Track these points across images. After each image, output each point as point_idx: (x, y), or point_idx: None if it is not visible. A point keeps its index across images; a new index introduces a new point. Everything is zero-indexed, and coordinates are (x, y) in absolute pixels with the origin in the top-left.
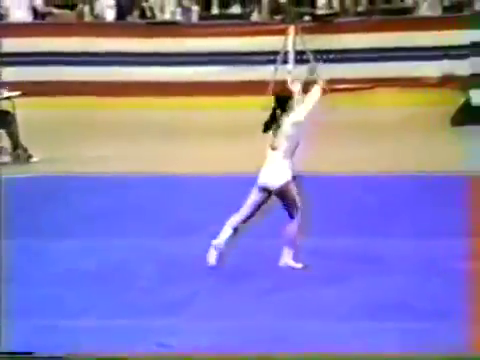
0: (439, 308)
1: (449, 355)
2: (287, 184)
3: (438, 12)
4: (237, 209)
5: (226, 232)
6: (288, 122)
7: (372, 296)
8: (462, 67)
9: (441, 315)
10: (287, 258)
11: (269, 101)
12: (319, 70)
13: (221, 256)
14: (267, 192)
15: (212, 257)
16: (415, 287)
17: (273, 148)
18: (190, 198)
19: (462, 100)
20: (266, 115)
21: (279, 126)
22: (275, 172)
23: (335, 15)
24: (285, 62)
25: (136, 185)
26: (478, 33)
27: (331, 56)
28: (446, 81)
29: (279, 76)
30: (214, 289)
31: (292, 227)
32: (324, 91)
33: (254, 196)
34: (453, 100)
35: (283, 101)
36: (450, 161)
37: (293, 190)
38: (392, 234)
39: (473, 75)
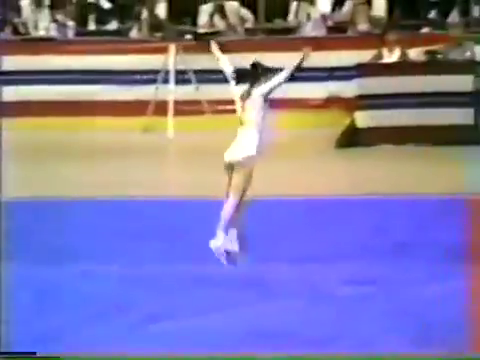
0: (326, 334)
1: (449, 355)
2: (248, 159)
3: (323, 32)
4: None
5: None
6: (257, 93)
7: (258, 323)
8: (347, 88)
9: (327, 341)
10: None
11: (150, 122)
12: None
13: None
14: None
15: (223, 260)
16: (301, 313)
17: (242, 123)
18: (73, 223)
19: (346, 122)
20: (146, 137)
21: (249, 96)
22: (239, 146)
23: (217, 34)
24: (166, 82)
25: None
26: (363, 54)
27: (213, 76)
28: (332, 102)
29: (160, 96)
30: (89, 320)
31: (227, 209)
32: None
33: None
34: (338, 122)
35: (257, 72)
36: (333, 183)
37: (250, 168)
38: (275, 258)
39: (358, 97)
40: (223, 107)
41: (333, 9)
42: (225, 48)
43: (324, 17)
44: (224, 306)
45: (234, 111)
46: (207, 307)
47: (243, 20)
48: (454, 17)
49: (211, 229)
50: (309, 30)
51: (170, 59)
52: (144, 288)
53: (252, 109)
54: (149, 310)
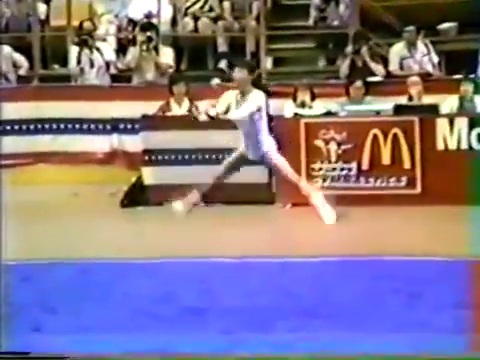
0: None
1: (449, 355)
2: None
3: (106, 81)
4: None
5: None
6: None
7: None
8: (132, 142)
9: None
10: None
11: None
12: None
13: None
14: None
15: None
16: None
17: None
18: None
19: (133, 179)
20: None
21: None
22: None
23: None
24: None
25: None
26: (149, 105)
27: None
28: (115, 157)
29: None
30: None
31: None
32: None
33: None
34: (123, 178)
35: None
36: (119, 245)
37: None
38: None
39: (144, 151)
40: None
41: (117, 55)
42: None
43: (108, 64)
44: None
45: (6, 165)
46: None
47: (16, 66)
48: None
49: None
50: (92, 78)
51: None
52: None
53: None
54: None
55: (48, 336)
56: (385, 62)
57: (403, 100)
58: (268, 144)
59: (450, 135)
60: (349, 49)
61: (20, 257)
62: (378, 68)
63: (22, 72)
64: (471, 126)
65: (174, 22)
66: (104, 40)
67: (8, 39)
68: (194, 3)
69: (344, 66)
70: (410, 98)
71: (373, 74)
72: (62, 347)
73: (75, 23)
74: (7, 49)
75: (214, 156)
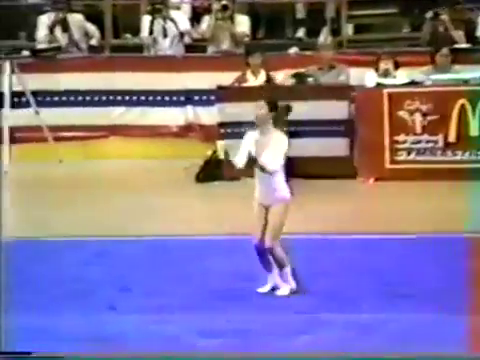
0: None
1: (449, 355)
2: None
3: (181, 51)
4: None
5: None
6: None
7: None
8: (208, 115)
9: None
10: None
11: None
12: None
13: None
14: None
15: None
16: None
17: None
18: None
19: (209, 153)
20: None
21: None
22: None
23: (58, 49)
24: (0, 106)
25: None
26: (225, 76)
27: (55, 98)
28: (190, 130)
29: None
30: None
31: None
32: None
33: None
34: (198, 152)
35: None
36: (195, 222)
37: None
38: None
39: (220, 124)
40: (66, 134)
41: (192, 25)
42: (66, 68)
43: (182, 34)
44: None
45: (78, 138)
46: None
47: (88, 36)
48: (325, 37)
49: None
50: (166, 48)
51: (4, 79)
52: None
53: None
54: None
55: (123, 316)
56: (473, 28)
57: None
58: (282, 193)
59: None
60: (429, 14)
61: (94, 233)
62: (459, 34)
63: (94, 42)
64: None
65: None
66: (178, 8)
67: (79, 7)
68: None
69: (425, 32)
70: None
71: (455, 41)
72: (137, 327)
73: None
74: (79, 17)
75: (293, 129)
